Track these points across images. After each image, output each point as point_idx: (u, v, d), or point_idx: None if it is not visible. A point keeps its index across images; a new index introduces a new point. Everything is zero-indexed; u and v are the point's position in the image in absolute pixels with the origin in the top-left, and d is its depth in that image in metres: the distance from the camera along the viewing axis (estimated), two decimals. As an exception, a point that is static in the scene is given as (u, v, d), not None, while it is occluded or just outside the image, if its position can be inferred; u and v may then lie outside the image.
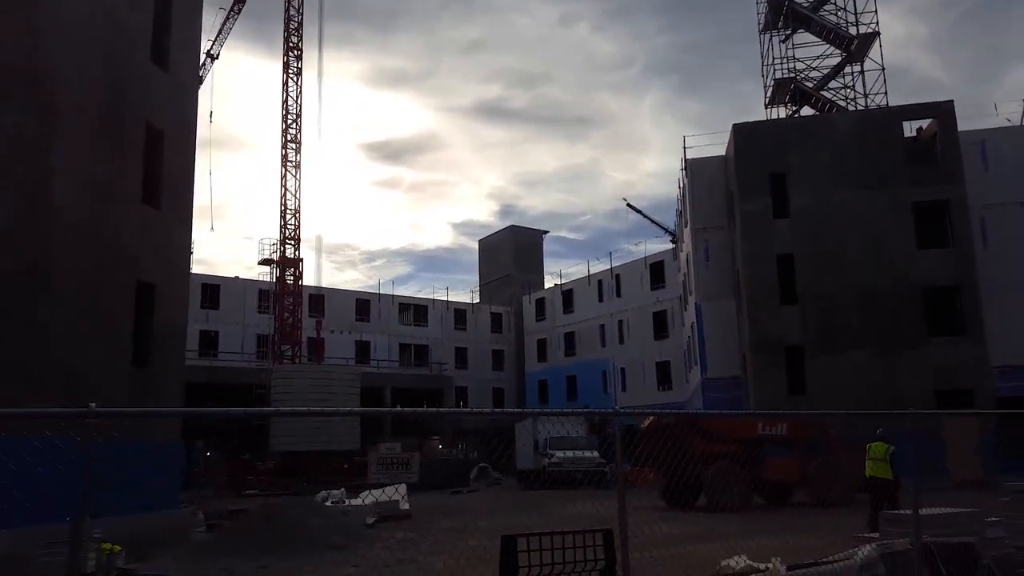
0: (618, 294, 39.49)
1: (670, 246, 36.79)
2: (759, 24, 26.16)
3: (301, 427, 25.35)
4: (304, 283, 33.69)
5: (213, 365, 32.95)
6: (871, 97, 24.45)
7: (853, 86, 25.14)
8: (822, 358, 20.52)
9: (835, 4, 25.33)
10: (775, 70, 25.21)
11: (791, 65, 25.23)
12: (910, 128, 22.50)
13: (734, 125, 22.77)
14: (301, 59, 33.34)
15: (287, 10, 33.20)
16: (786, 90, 25.09)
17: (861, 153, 21.37)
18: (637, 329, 37.96)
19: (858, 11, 24.73)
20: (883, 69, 24.49)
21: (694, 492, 13.38)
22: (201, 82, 34.08)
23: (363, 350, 40.05)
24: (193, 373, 27.50)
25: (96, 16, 11.04)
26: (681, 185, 27.91)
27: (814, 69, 25.62)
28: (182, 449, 16.00)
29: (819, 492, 13.16)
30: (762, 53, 25.98)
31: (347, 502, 13.94)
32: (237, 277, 38.40)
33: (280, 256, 32.82)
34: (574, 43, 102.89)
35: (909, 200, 20.84)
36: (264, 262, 34.40)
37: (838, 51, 25.23)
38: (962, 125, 21.24)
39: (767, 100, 25.65)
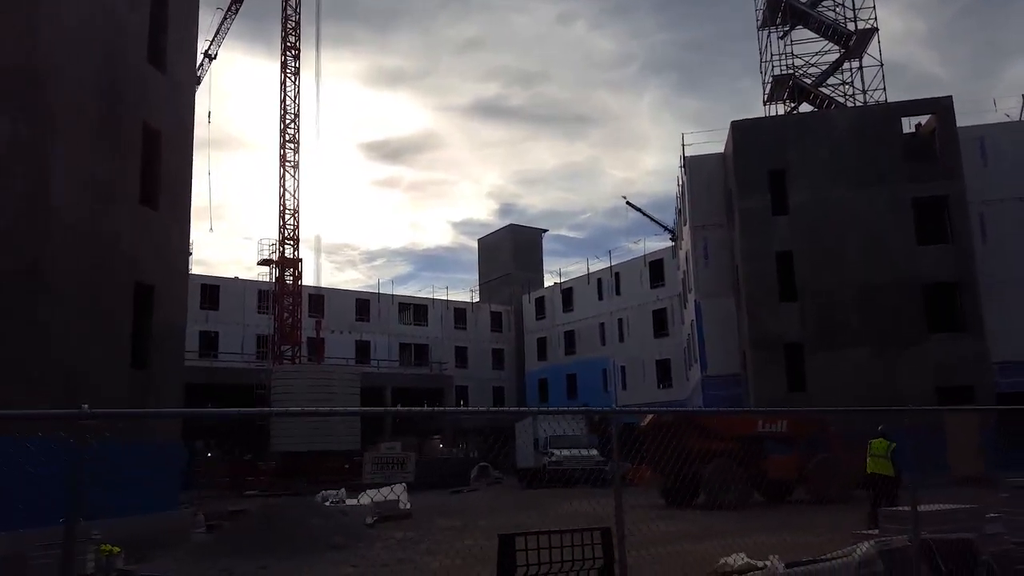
0: (618, 292, 39.48)
1: (670, 244, 36.76)
2: (757, 20, 26.11)
3: (301, 427, 25.37)
4: (304, 283, 33.71)
5: (213, 366, 32.96)
6: (870, 93, 24.42)
7: (852, 82, 25.10)
8: (822, 355, 20.51)
9: (833, 0, 25.28)
10: (773, 67, 25.17)
11: (789, 62, 25.18)
12: (909, 124, 22.47)
13: (732, 122, 22.74)
14: (299, 59, 33.34)
15: (284, 10, 33.16)
16: (784, 87, 25.04)
17: (860, 149, 21.34)
18: (637, 327, 37.96)
19: (856, 7, 24.70)
20: (881, 65, 24.46)
21: (693, 490, 13.39)
22: (199, 82, 34.17)
23: (363, 350, 40.06)
24: (193, 374, 27.54)
25: (95, 17, 11.03)
26: (680, 183, 27.89)
27: (812, 65, 25.57)
28: (182, 450, 16.00)
29: (818, 489, 13.16)
30: (760, 50, 25.94)
31: (346, 502, 13.95)
32: (236, 278, 38.44)
33: (279, 256, 32.82)
34: (572, 41, 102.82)
35: (908, 196, 20.82)
36: (263, 262, 34.43)
37: (836, 47, 25.17)
38: (961, 121, 21.21)
39: (765, 97, 25.61)
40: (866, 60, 24.87)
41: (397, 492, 13.97)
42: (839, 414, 15.64)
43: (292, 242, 32.77)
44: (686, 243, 27.25)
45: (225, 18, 34.46)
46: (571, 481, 19.96)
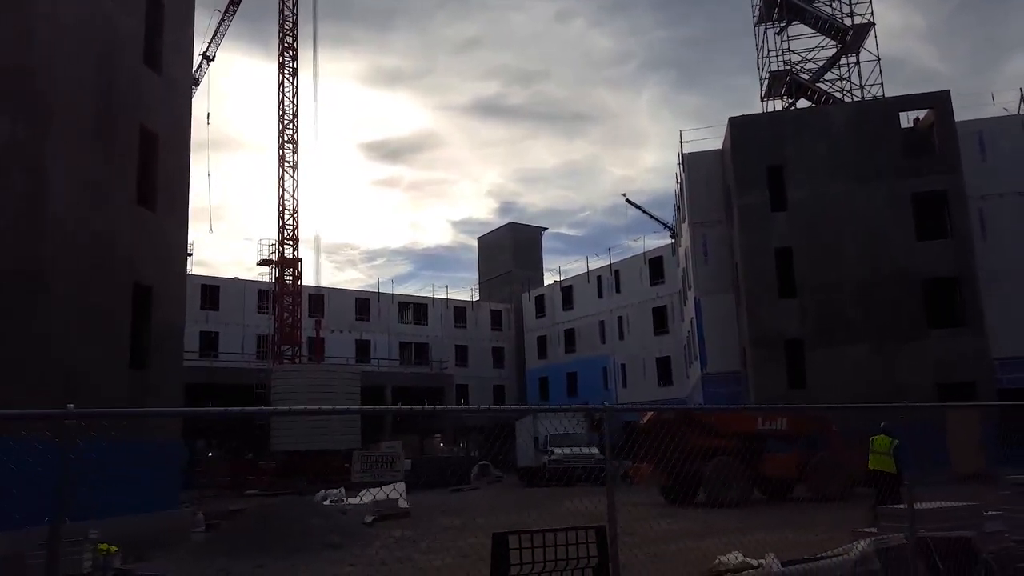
0: (617, 290, 39.43)
1: (669, 241, 36.71)
2: (754, 16, 26.04)
3: (302, 427, 25.38)
4: (303, 283, 33.71)
5: (213, 366, 32.99)
6: (867, 88, 24.35)
7: (849, 77, 25.03)
8: (822, 351, 20.47)
9: (830, -5, 25.19)
10: (770, 63, 25.09)
11: (786, 57, 25.11)
12: (907, 119, 22.39)
13: (730, 118, 22.67)
14: (297, 59, 33.30)
15: (281, 10, 33.12)
16: (782, 83, 24.96)
17: (858, 145, 21.27)
18: (637, 325, 37.91)
19: (852, 2, 24.62)
20: (879, 60, 24.39)
21: (693, 488, 13.37)
22: (197, 84, 34.18)
23: (363, 349, 40.07)
24: (194, 374, 27.58)
25: (92, 18, 11.03)
26: (679, 180, 27.83)
27: (810, 61, 25.50)
28: (182, 449, 16.00)
29: (818, 487, 13.13)
30: (757, 46, 25.87)
31: (345, 501, 13.95)
32: (236, 278, 38.46)
33: (279, 256, 32.84)
34: (571, 39, 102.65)
35: (907, 191, 20.75)
36: (263, 262, 34.44)
37: (833, 42, 25.10)
38: (960, 115, 21.13)
39: (763, 93, 25.54)
40: (863, 55, 24.82)
41: (396, 491, 13.97)
42: (838, 411, 15.61)
43: (292, 242, 32.79)
44: (685, 240, 27.20)
45: (223, 19, 34.44)
46: (571, 480, 19.96)
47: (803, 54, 25.49)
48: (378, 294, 42.29)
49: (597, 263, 41.32)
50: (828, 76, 25.33)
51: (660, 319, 36.75)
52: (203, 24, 35.09)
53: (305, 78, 71.77)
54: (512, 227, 51.83)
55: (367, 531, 11.24)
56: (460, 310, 45.38)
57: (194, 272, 36.01)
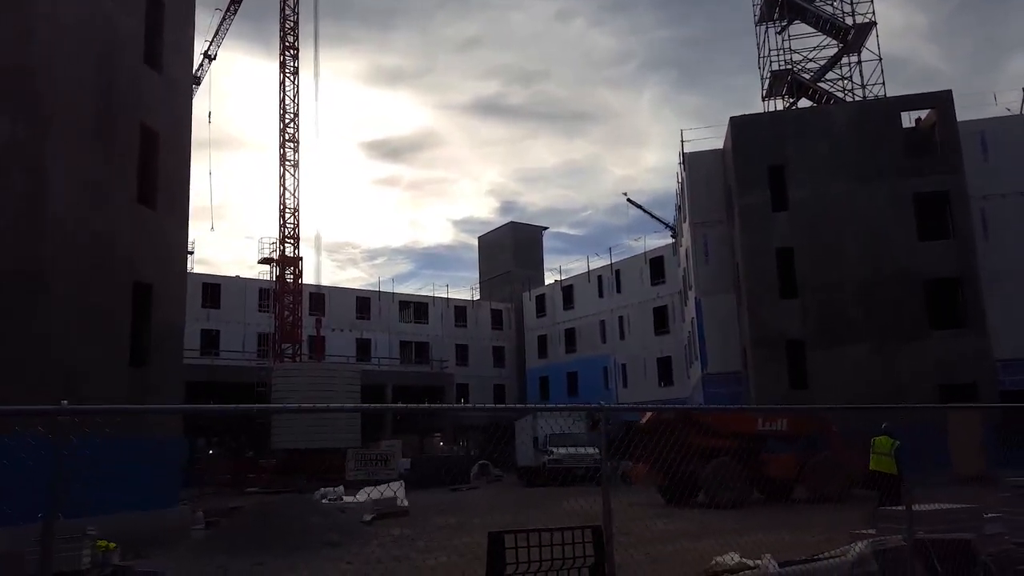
0: (618, 290, 39.40)
1: (670, 241, 36.67)
2: (755, 16, 25.98)
3: (302, 425, 25.41)
4: (304, 281, 33.75)
5: (214, 364, 33.04)
6: (869, 88, 24.28)
7: (850, 77, 24.96)
8: (823, 352, 20.42)
9: (831, -6, 25.12)
10: (771, 62, 25.03)
11: (787, 57, 25.05)
12: (909, 119, 22.33)
13: (731, 118, 22.62)
14: (298, 58, 33.34)
15: (283, 10, 33.15)
16: (783, 82, 24.90)
17: (859, 144, 21.21)
18: (637, 325, 37.88)
19: (854, 1, 24.55)
20: (880, 59, 24.32)
21: (692, 488, 13.35)
22: (199, 83, 34.24)
23: (364, 348, 40.10)
24: (195, 372, 27.62)
25: (93, 18, 11.04)
26: (679, 179, 27.80)
27: (811, 60, 25.43)
28: (183, 447, 16.02)
29: (818, 488, 13.11)
30: (758, 45, 25.80)
31: (344, 499, 13.96)
32: (237, 276, 38.49)
33: (280, 255, 32.88)
34: (571, 38, 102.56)
35: (908, 191, 20.69)
36: (264, 261, 34.50)
37: (835, 42, 25.04)
38: (962, 115, 21.07)
39: (764, 92, 25.48)
40: (865, 55, 24.74)
41: (395, 489, 13.98)
42: (838, 411, 15.57)
43: (292, 241, 32.83)
44: (686, 240, 27.16)
45: (224, 19, 34.48)
46: (571, 479, 19.94)
47: (804, 53, 25.43)
48: (378, 293, 42.32)
49: (598, 263, 41.34)
50: (829, 76, 25.27)
51: (661, 319, 36.71)
52: (205, 23, 35.23)
53: (306, 77, 71.88)
54: (513, 226, 51.82)
55: (366, 529, 11.25)
56: (461, 309, 45.39)
57: (195, 270, 36.10)
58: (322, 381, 27.29)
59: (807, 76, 25.16)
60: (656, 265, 37.39)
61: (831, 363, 20.14)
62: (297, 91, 33.18)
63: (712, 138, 25.08)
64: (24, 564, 6.53)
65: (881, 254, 20.55)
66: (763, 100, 25.60)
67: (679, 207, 29.92)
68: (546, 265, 51.42)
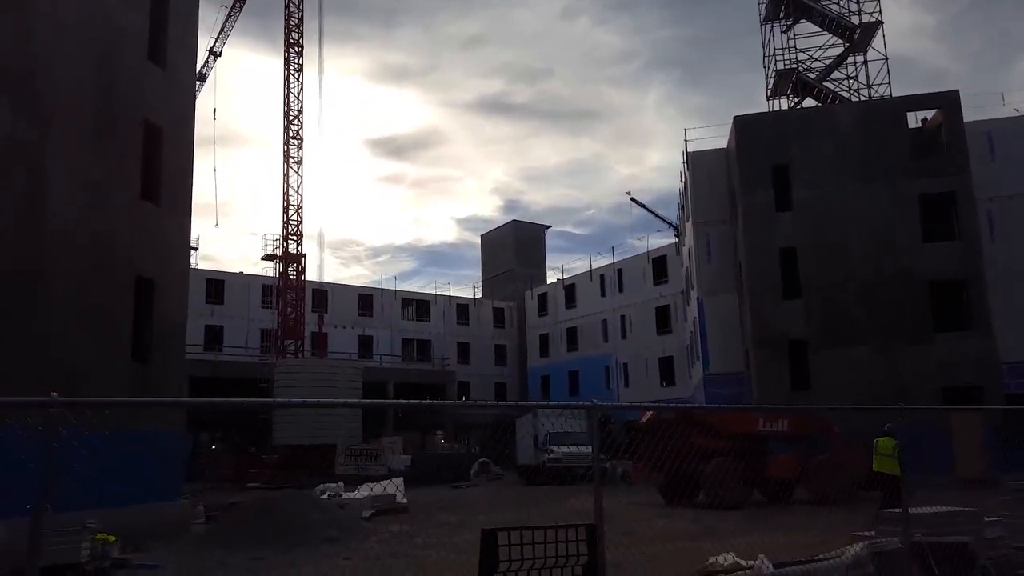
0: (620, 289, 39.33)
1: (673, 240, 36.56)
2: (760, 14, 25.82)
3: (303, 421, 25.50)
4: (307, 278, 33.85)
5: (218, 359, 33.20)
6: (874, 88, 24.11)
7: (856, 76, 24.80)
8: (826, 353, 20.33)
9: (837, -7, 24.94)
10: (776, 61, 24.89)
11: (793, 56, 24.89)
12: (915, 119, 22.16)
13: (735, 117, 22.50)
14: (302, 55, 33.38)
15: (287, 7, 33.19)
16: (788, 81, 24.76)
17: (865, 144, 21.08)
18: (639, 324, 37.82)
19: (860, 0, 24.36)
20: (886, 59, 24.13)
21: (693, 489, 13.32)
22: (204, 79, 34.35)
23: (366, 345, 40.19)
24: (198, 367, 27.76)
25: (94, 17, 11.06)
26: (683, 179, 27.70)
27: (816, 60, 25.26)
28: (186, 441, 16.09)
29: (819, 489, 13.06)
30: (763, 44, 25.67)
31: (343, 495, 14.00)
32: (241, 272, 38.63)
33: (283, 251, 32.98)
34: (576, 37, 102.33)
35: (914, 192, 20.55)
36: (267, 257, 34.62)
37: (841, 41, 24.86)
38: (969, 115, 20.89)
39: (769, 92, 25.35)
40: (871, 54, 24.57)
41: (394, 486, 14.01)
42: (839, 412, 15.50)
43: (296, 237, 32.92)
44: (689, 239, 27.08)
45: (229, 15, 34.58)
46: (571, 478, 19.94)
47: (810, 53, 25.26)
48: (381, 290, 42.40)
49: (601, 262, 41.27)
50: (835, 75, 25.10)
51: (663, 319, 36.62)
52: (210, 20, 35.23)
53: (310, 74, 71.94)
54: (515, 225, 51.78)
55: (365, 525, 11.28)
56: (463, 307, 45.42)
57: (200, 266, 36.28)
58: (324, 377, 27.38)
59: (812, 75, 25.00)
60: (659, 264, 37.31)
61: (834, 364, 20.05)
62: (301, 88, 33.26)
63: (716, 137, 24.98)
64: (24, 556, 6.58)
65: (885, 255, 20.42)
66: (768, 99, 25.48)
67: (682, 206, 29.83)
68: (549, 264, 51.43)
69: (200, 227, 62.62)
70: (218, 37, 34.85)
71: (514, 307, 46.98)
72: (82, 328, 10.26)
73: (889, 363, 19.76)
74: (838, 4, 24.83)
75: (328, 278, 39.98)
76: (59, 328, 9.93)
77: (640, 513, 11.60)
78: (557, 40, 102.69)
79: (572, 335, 42.08)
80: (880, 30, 24.13)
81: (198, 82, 30.35)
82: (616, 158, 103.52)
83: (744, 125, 22.25)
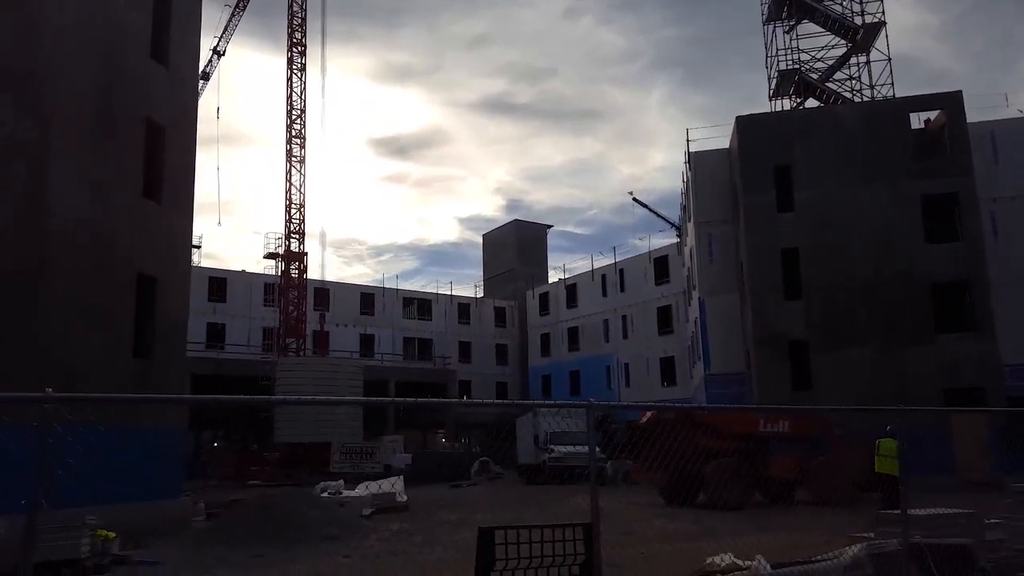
0: (622, 289, 39.31)
1: (675, 240, 36.51)
2: (763, 15, 25.76)
3: (305, 419, 25.56)
4: (309, 277, 33.91)
5: (220, 357, 33.30)
6: (877, 88, 24.03)
7: (859, 77, 24.71)
8: (827, 354, 20.27)
9: (840, -7, 24.86)
10: (779, 61, 24.82)
11: (795, 56, 24.83)
12: (918, 120, 22.08)
13: (737, 117, 22.45)
14: (305, 55, 33.42)
15: (291, 6, 33.25)
16: (790, 82, 24.70)
17: (867, 145, 21.01)
18: (641, 324, 37.79)
19: (863, 0, 24.28)
20: (889, 60, 24.05)
21: (693, 489, 13.30)
22: (208, 78, 34.43)
23: (367, 343, 40.26)
24: (200, 365, 27.84)
25: (95, 16, 11.09)
26: (685, 179, 27.65)
27: (819, 60, 25.19)
28: (187, 439, 16.14)
29: (820, 490, 13.02)
30: (766, 44, 25.61)
31: (343, 493, 14.03)
32: (244, 271, 38.75)
33: (285, 250, 33.05)
34: (579, 37, 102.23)
35: (916, 193, 20.47)
36: (269, 256, 34.71)
37: (843, 41, 24.78)
38: (972, 116, 20.80)
39: (771, 92, 25.28)
40: (874, 55, 24.50)
41: (394, 485, 14.04)
42: (840, 413, 15.46)
43: (298, 236, 32.99)
44: (691, 240, 27.04)
45: (233, 15, 34.64)
46: (571, 477, 19.94)
47: (812, 53, 25.20)
48: (383, 289, 42.45)
49: (602, 261, 41.24)
50: (838, 76, 25.03)
51: (664, 319, 36.58)
52: (214, 19, 35.33)
53: (314, 74, 71.83)
54: (517, 224, 51.78)
55: (364, 524, 11.30)
56: (464, 306, 45.44)
57: (202, 264, 36.38)
58: (325, 376, 27.44)
59: (815, 76, 24.93)
60: (660, 264, 37.26)
61: (835, 365, 19.99)
62: (304, 88, 33.30)
63: (718, 137, 24.89)
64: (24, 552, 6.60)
65: (887, 256, 20.35)
66: (770, 100, 25.41)
67: (684, 206, 29.78)
68: (551, 263, 51.43)
69: (203, 225, 62.79)
70: (222, 36, 34.94)
71: (515, 306, 46.98)
72: (83, 327, 10.28)
73: (890, 364, 19.70)
74: (841, 4, 24.76)
75: (330, 277, 40.10)
76: (60, 327, 9.95)
77: (640, 513, 11.60)
78: (560, 40, 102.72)
79: (573, 335, 42.07)
80: (883, 30, 24.06)
81: (202, 81, 30.48)
82: (618, 158, 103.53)
83: (746, 125, 22.20)
